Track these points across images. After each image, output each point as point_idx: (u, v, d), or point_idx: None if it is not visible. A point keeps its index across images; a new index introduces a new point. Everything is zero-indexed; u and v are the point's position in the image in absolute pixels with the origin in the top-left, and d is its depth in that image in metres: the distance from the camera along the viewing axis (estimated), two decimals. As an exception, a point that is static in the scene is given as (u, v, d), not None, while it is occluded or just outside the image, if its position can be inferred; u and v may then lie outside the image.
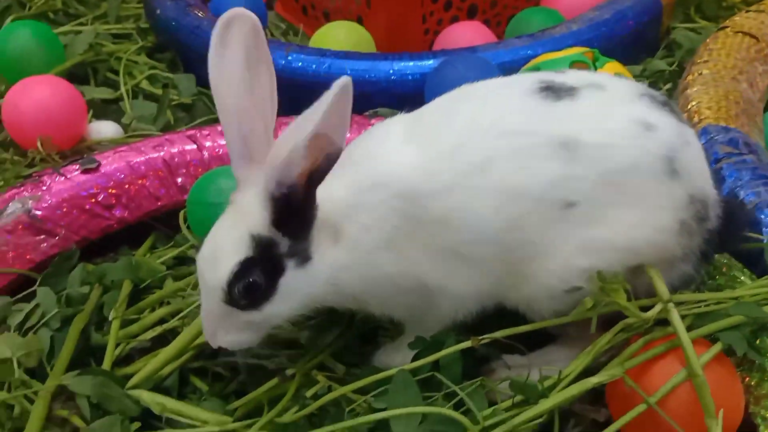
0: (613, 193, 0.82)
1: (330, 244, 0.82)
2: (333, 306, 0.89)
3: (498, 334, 0.86)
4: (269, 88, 0.83)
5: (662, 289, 0.80)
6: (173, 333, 1.01)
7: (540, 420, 0.80)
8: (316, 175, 0.77)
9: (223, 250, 0.80)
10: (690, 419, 0.77)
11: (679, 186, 0.84)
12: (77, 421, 0.84)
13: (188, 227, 1.16)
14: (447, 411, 0.77)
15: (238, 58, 0.80)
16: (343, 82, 0.71)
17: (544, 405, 0.79)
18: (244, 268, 0.79)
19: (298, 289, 0.82)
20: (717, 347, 0.81)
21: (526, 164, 0.81)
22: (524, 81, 0.87)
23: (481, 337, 0.86)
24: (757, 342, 0.85)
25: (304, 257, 0.81)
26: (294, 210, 0.79)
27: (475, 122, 0.84)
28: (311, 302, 0.85)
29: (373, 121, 1.24)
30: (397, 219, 0.82)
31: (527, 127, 0.82)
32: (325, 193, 0.80)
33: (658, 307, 0.79)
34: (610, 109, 0.84)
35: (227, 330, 0.83)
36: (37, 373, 0.92)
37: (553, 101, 0.83)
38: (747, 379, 0.86)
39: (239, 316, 0.81)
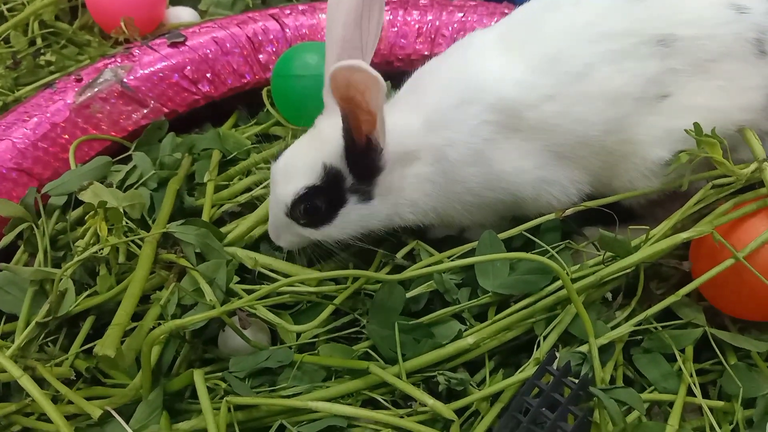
0: (704, 80, 0.82)
1: (400, 178, 0.85)
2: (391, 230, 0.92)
3: (581, 207, 0.88)
4: (376, 26, 0.85)
5: (758, 149, 0.81)
6: (261, 201, 1.05)
7: (627, 272, 0.83)
8: None
9: (295, 170, 0.85)
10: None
11: (766, 64, 0.83)
12: (184, 263, 0.89)
13: (272, 104, 1.19)
14: (536, 257, 0.80)
15: None
16: None
17: (632, 259, 0.82)
18: (309, 193, 0.84)
19: (354, 221, 0.86)
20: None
21: (626, 66, 0.81)
22: None
23: (564, 209, 0.88)
24: None
25: (366, 196, 0.85)
26: (365, 150, 0.82)
27: (569, 28, 0.83)
28: (366, 232, 0.89)
29: None
30: (490, 132, 0.83)
31: (623, 26, 0.82)
32: (401, 119, 0.82)
33: (753, 166, 0.80)
34: None
35: (288, 234, 0.89)
36: (140, 227, 0.97)
37: None
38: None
39: (298, 228, 0.87)
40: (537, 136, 0.84)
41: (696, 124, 0.78)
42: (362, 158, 0.83)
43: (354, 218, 0.86)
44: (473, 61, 0.86)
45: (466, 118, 0.83)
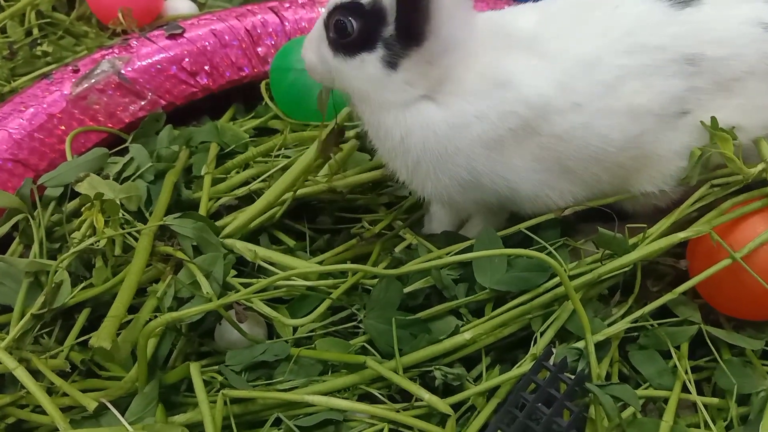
0: (725, 99, 0.82)
1: (429, 82, 0.81)
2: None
3: (581, 206, 0.88)
4: None
5: (766, 151, 0.81)
6: (258, 194, 1.05)
7: (624, 270, 0.83)
8: None
9: None
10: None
11: None
12: (181, 255, 0.88)
13: (270, 97, 1.19)
14: (534, 253, 0.80)
15: None
16: None
17: (630, 257, 0.82)
18: (350, 6, 0.79)
19: (365, 79, 0.82)
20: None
21: (652, 82, 0.80)
22: None
23: (564, 208, 0.88)
24: None
25: (392, 60, 0.80)
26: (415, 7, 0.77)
27: (608, 33, 0.82)
28: (364, 99, 0.84)
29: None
30: (516, 123, 0.81)
31: (656, 41, 0.81)
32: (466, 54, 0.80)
33: (760, 166, 0.80)
34: (730, 12, 0.82)
35: (314, 48, 0.85)
36: (137, 219, 0.96)
37: (679, 9, 0.81)
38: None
39: (323, 45, 0.83)
40: (554, 145, 0.82)
41: (712, 118, 0.79)
42: (412, 12, 0.78)
43: (367, 75, 0.81)
44: (516, 48, 0.83)
45: (501, 101, 0.81)
